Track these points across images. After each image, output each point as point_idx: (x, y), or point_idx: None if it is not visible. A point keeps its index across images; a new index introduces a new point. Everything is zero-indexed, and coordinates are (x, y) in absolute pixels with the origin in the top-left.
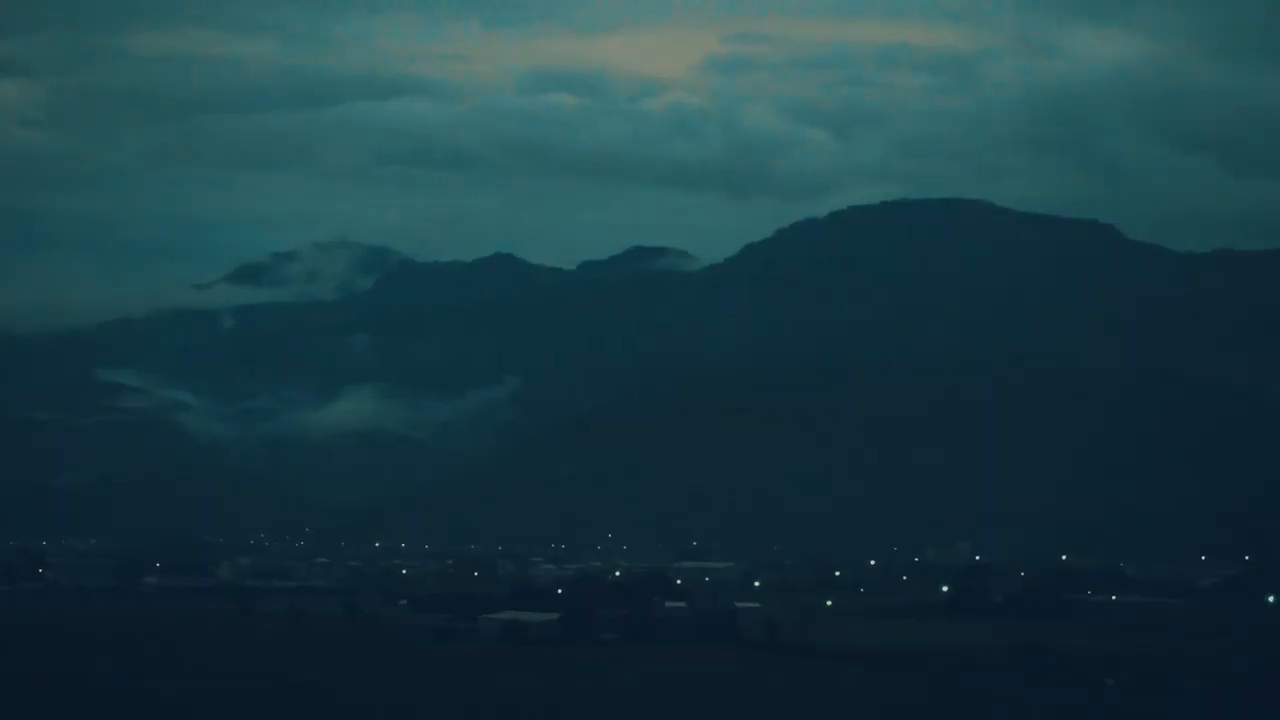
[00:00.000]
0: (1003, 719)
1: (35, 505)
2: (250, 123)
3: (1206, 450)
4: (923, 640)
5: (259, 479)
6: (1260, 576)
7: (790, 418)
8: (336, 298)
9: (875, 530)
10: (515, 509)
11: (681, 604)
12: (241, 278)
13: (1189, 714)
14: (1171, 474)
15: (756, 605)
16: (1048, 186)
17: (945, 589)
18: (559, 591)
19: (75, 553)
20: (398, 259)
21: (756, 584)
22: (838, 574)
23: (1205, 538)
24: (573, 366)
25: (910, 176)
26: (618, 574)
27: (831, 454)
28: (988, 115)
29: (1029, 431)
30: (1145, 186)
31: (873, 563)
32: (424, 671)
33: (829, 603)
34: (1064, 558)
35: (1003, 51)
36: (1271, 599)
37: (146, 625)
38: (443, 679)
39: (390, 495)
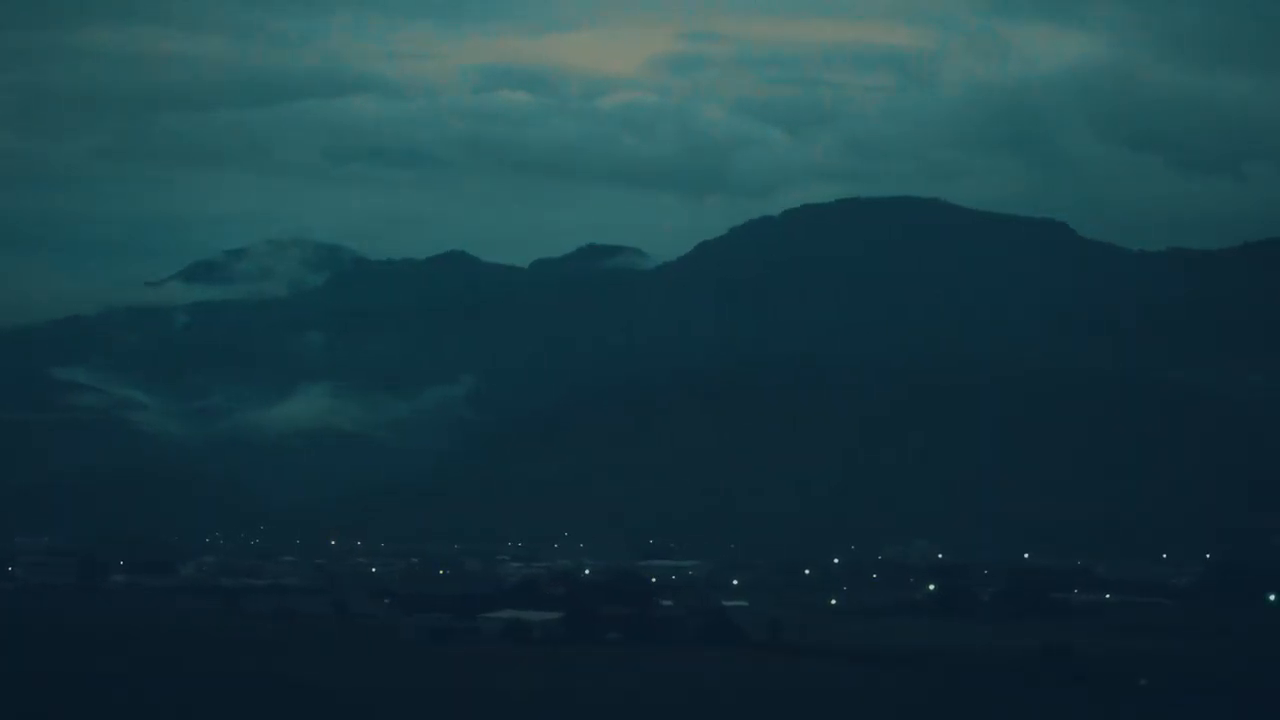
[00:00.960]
0: None
1: None
2: (202, 120)
3: (1162, 448)
4: (930, 640)
5: (213, 477)
6: (1231, 574)
7: (745, 416)
8: (289, 295)
9: (831, 528)
10: (471, 507)
11: (669, 603)
12: (194, 275)
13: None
14: (1127, 472)
15: (744, 604)
16: (1001, 185)
17: (931, 588)
18: (556, 590)
19: (40, 551)
20: (351, 257)
21: (735, 582)
22: (807, 572)
23: (1162, 535)
24: (527, 365)
25: (864, 175)
26: (587, 572)
27: (787, 452)
28: (941, 114)
29: (984, 430)
30: (1098, 185)
31: (836, 561)
32: (432, 672)
33: (833, 601)
34: (1026, 556)
35: (956, 50)
36: (1272, 597)
37: (138, 625)
38: (453, 680)
39: (345, 494)
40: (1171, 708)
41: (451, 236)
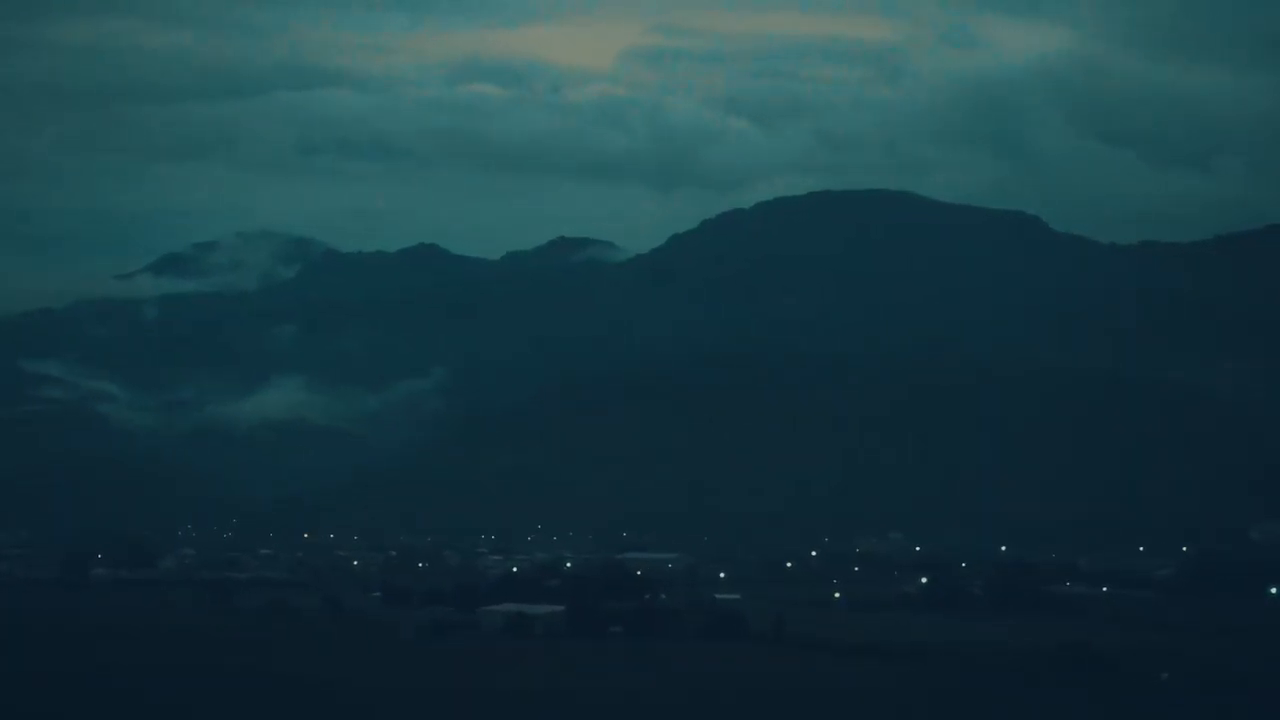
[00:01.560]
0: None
1: None
2: (171, 112)
3: (1135, 441)
4: (940, 636)
5: (184, 470)
6: (1211, 568)
7: (716, 409)
8: (259, 288)
9: (804, 522)
10: (442, 501)
11: (663, 597)
12: (164, 268)
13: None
14: (1100, 465)
15: (736, 597)
16: (972, 179)
17: (924, 581)
18: (551, 583)
19: (18, 545)
20: (321, 249)
21: (722, 576)
22: (789, 565)
23: (1136, 529)
24: (498, 358)
25: (835, 168)
26: (569, 565)
27: (758, 446)
28: (912, 107)
29: (956, 424)
30: (1069, 179)
31: (815, 554)
32: (439, 668)
33: (836, 595)
34: (1003, 549)
35: (927, 44)
36: (1274, 590)
37: (135, 622)
38: (459, 676)
39: (316, 487)
40: (1201, 704)
41: (422, 229)
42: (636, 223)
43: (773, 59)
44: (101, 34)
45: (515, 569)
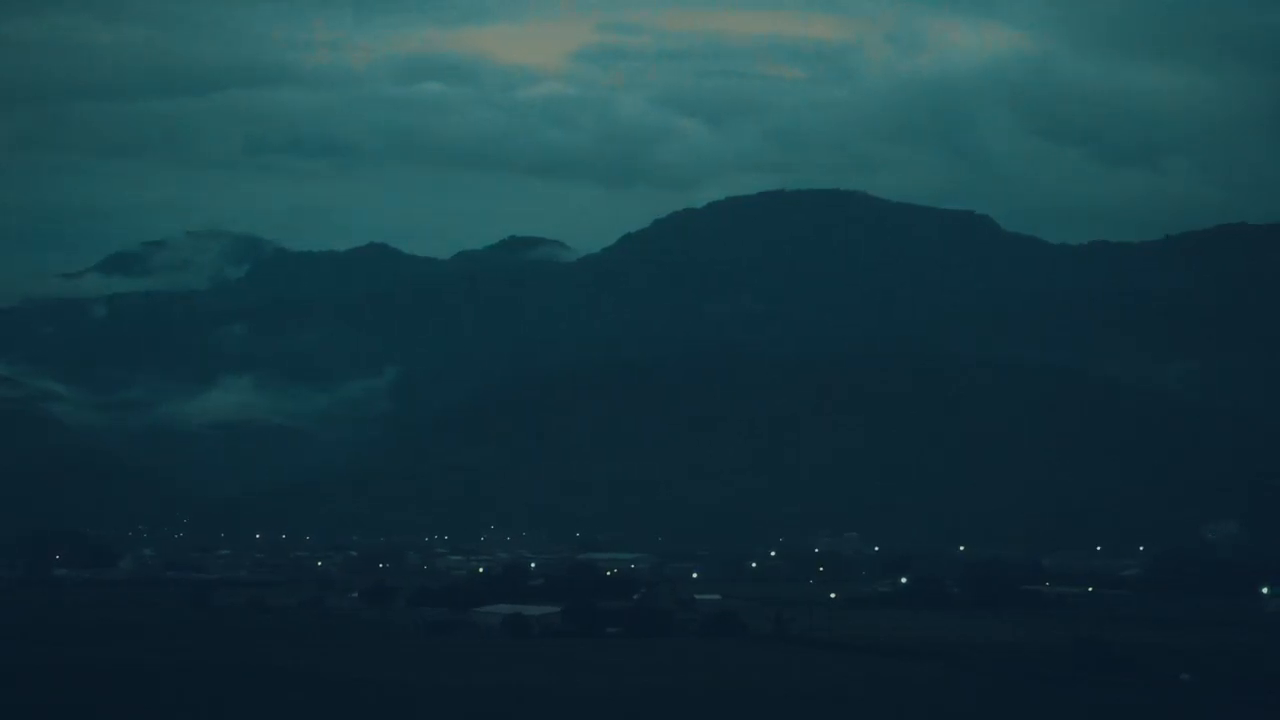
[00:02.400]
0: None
1: None
2: (121, 110)
3: (1085, 439)
4: (943, 634)
5: (133, 470)
6: (1174, 566)
7: (669, 409)
8: (209, 287)
9: (757, 520)
10: (395, 500)
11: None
12: (112, 267)
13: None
14: (1051, 464)
15: (717, 597)
16: (923, 178)
17: (904, 580)
18: (536, 582)
19: None
20: (271, 248)
21: (695, 575)
22: (754, 565)
23: (1090, 526)
24: (449, 357)
25: (786, 167)
26: (534, 565)
27: (711, 445)
28: (862, 107)
29: (905, 422)
30: (1019, 178)
31: (773, 553)
32: (455, 667)
33: (833, 595)
34: (961, 548)
35: (877, 43)
36: (1265, 590)
37: (126, 621)
38: (480, 675)
39: (267, 485)
40: (1229, 702)
41: (372, 228)
42: (588, 222)
43: (723, 58)
44: (50, 30)
45: (481, 569)
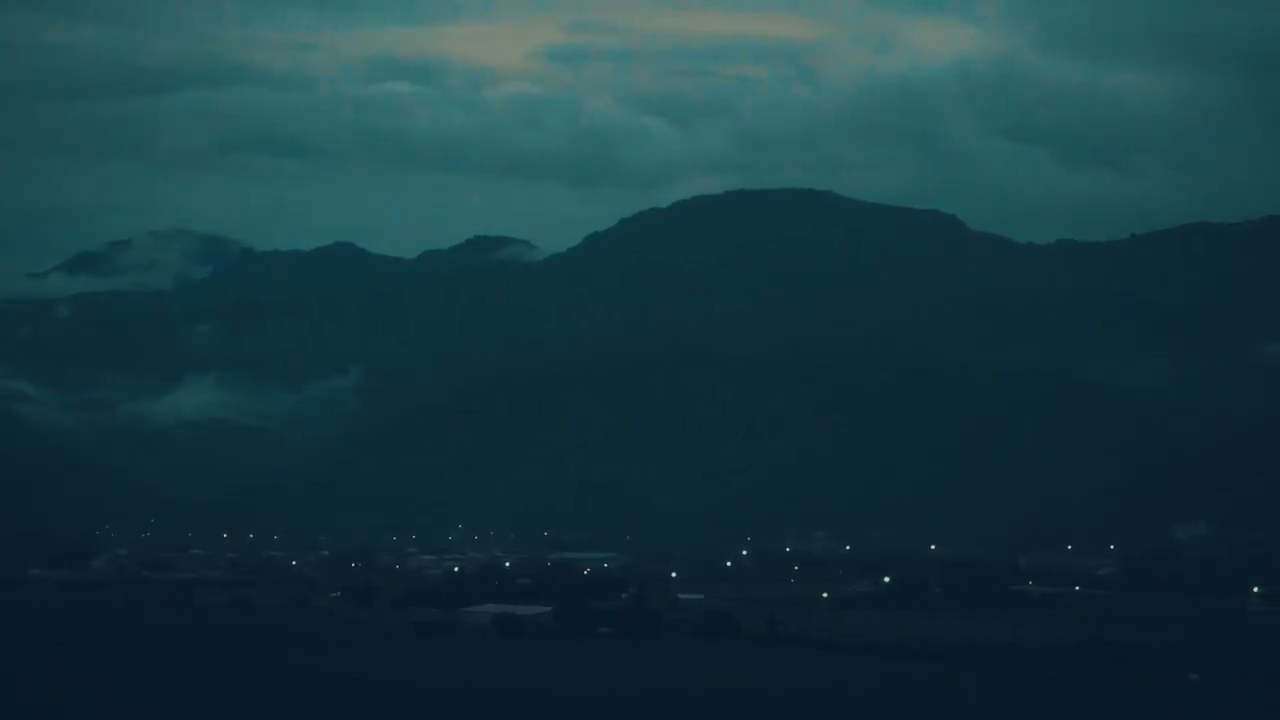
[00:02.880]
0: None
1: None
2: (86, 109)
3: (1054, 439)
4: (933, 633)
5: (99, 469)
6: (1148, 566)
7: (636, 408)
8: (174, 287)
9: (722, 520)
10: (362, 500)
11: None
12: (78, 267)
13: None
14: (1019, 463)
15: (699, 597)
16: (890, 178)
17: (887, 580)
18: (522, 581)
19: None
20: (237, 248)
21: (674, 575)
22: (729, 564)
23: (1057, 526)
24: (416, 357)
25: (752, 167)
26: (509, 565)
27: (675, 444)
28: (829, 107)
29: (873, 422)
30: (986, 178)
31: (744, 553)
32: (448, 669)
33: (825, 595)
34: (933, 548)
35: (843, 44)
36: (1256, 589)
37: (115, 621)
38: (470, 677)
39: (235, 485)
40: (1238, 702)
41: (339, 228)
42: (554, 222)
43: (689, 58)
44: (13, 28)
45: (456, 569)
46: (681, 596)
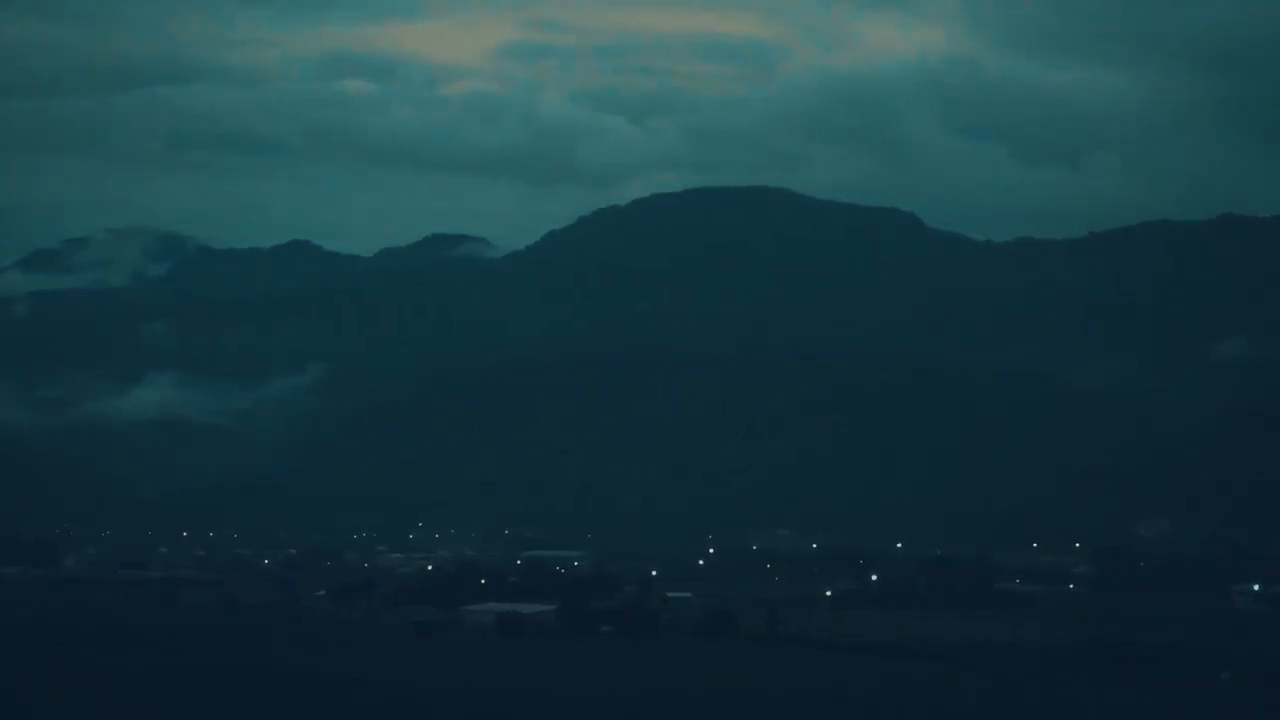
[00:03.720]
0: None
1: None
2: (41, 107)
3: (1012, 436)
4: (933, 632)
5: (58, 468)
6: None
7: (595, 407)
8: (131, 284)
9: (683, 518)
10: (320, 497)
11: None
12: (34, 264)
13: None
14: (980, 460)
15: (688, 595)
16: (847, 176)
17: (875, 578)
18: (512, 579)
19: None
20: (194, 245)
21: (654, 573)
22: (701, 563)
23: (1020, 524)
24: (374, 355)
25: (710, 165)
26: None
27: (635, 442)
28: (785, 104)
29: (832, 419)
30: (943, 176)
31: (711, 551)
32: (453, 669)
33: (828, 593)
34: (899, 545)
35: (799, 41)
36: (1240, 586)
37: (104, 621)
38: (473, 676)
39: (194, 484)
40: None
41: (295, 225)
42: (512, 219)
43: (645, 54)
44: None
45: (430, 567)
46: (670, 595)
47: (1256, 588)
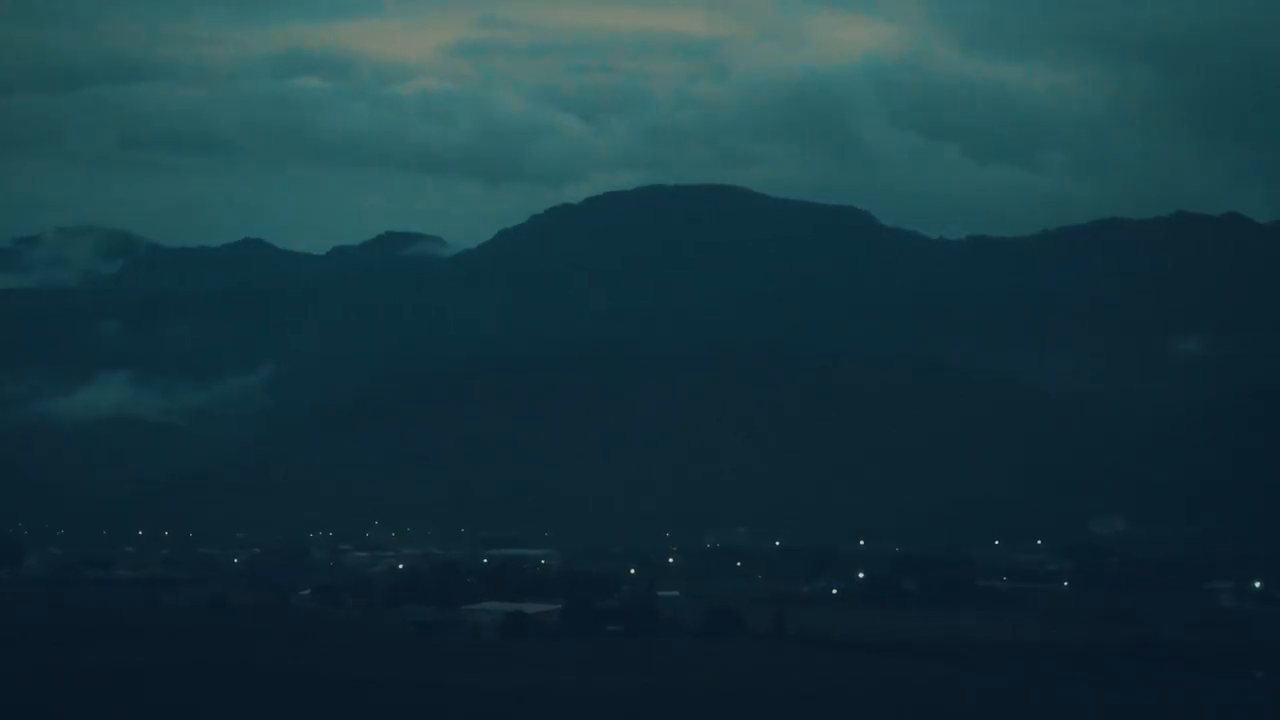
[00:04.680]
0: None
1: None
2: None
3: (966, 436)
4: (936, 631)
5: (9, 467)
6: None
7: (549, 405)
8: (82, 283)
9: (641, 516)
10: (275, 497)
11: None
12: None
13: None
14: (933, 459)
15: (676, 594)
16: (801, 173)
17: (861, 576)
18: (512, 579)
19: None
20: (146, 244)
21: (632, 571)
22: (670, 560)
23: (975, 522)
24: (327, 354)
25: (663, 163)
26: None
27: (589, 441)
28: (739, 102)
29: (786, 417)
30: (896, 174)
31: (675, 549)
32: (458, 668)
33: (834, 591)
34: (861, 543)
35: (751, 39)
36: (1221, 584)
37: (96, 621)
38: (482, 676)
39: (147, 483)
40: None
41: (247, 223)
42: (465, 218)
43: (596, 52)
44: None
45: (401, 565)
46: (660, 594)
47: (1218, 584)
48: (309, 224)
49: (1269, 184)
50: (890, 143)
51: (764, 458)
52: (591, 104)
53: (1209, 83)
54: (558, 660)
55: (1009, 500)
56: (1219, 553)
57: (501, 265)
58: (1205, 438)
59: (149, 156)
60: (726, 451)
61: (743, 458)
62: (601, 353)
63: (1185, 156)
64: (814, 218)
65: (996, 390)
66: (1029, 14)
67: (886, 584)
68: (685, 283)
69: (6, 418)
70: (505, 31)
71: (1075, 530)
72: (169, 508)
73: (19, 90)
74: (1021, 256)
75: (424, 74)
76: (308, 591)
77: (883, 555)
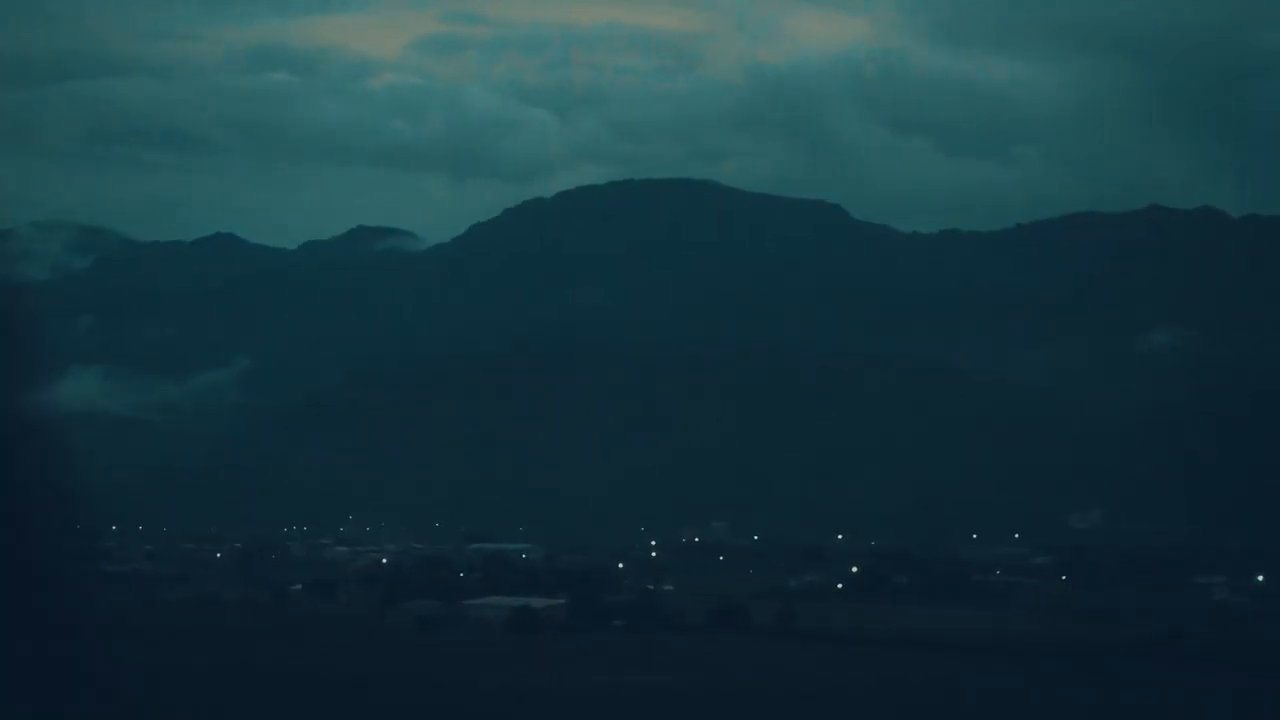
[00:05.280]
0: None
1: None
2: None
3: (941, 430)
4: (943, 625)
5: None
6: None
7: (522, 399)
8: (53, 278)
9: (615, 511)
10: (249, 491)
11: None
12: None
13: None
14: (908, 454)
15: (670, 589)
16: (773, 168)
17: (855, 570)
18: (511, 575)
19: None
20: (117, 239)
21: (620, 565)
22: (654, 555)
23: (956, 516)
24: (300, 348)
25: (634, 158)
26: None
27: (562, 436)
28: (711, 96)
29: (759, 412)
30: (869, 168)
31: (654, 543)
32: (465, 665)
33: (839, 586)
34: (839, 537)
35: (722, 33)
36: (1261, 578)
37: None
38: (490, 672)
39: (120, 478)
40: None
41: (219, 218)
42: (437, 212)
43: (566, 47)
44: None
45: (384, 560)
46: (652, 589)
47: (1207, 579)
48: (281, 219)
49: (1243, 178)
50: (862, 137)
51: (736, 452)
52: (563, 98)
53: (1182, 76)
54: (570, 656)
55: (985, 494)
56: (1201, 548)
57: (474, 259)
58: (1179, 432)
59: (121, 151)
60: (699, 446)
61: (715, 452)
62: (574, 346)
63: (1158, 150)
64: (786, 212)
65: (970, 384)
66: (1000, 8)
67: (879, 578)
68: (657, 277)
69: None
70: (474, 26)
71: (1052, 525)
72: (142, 503)
73: None
74: (994, 250)
75: (395, 69)
76: (299, 587)
77: (862, 550)
